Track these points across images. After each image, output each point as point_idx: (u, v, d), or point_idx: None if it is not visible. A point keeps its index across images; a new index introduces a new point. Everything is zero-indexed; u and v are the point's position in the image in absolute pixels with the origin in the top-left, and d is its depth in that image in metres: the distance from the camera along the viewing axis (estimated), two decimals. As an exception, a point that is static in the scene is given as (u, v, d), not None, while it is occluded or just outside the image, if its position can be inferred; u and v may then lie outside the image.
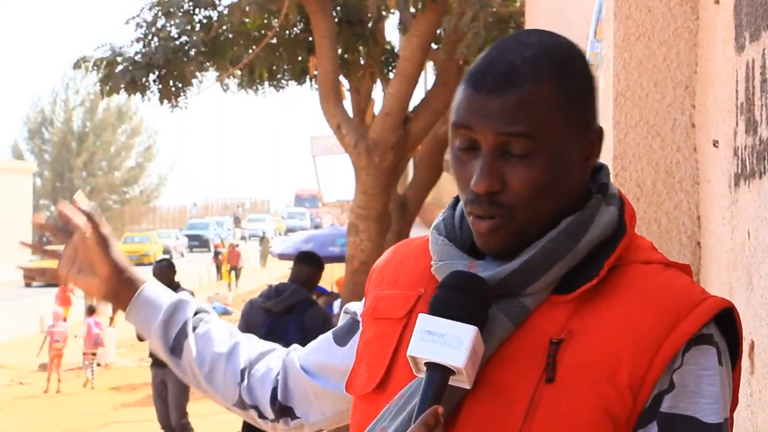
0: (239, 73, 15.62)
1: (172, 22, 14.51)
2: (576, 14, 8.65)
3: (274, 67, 15.71)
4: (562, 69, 1.66)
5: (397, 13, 15.42)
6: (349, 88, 16.44)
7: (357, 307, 1.92)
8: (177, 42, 14.45)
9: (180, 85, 14.60)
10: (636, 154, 3.62)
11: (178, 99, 14.69)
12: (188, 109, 15.00)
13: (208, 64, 14.92)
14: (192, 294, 12.03)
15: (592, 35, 6.22)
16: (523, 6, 12.92)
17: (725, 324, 1.67)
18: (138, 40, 14.51)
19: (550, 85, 1.64)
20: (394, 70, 15.20)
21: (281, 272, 42.27)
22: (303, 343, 2.02)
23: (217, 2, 14.94)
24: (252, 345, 2.03)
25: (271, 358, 2.00)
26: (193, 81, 14.75)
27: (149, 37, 14.46)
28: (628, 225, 1.71)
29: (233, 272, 40.11)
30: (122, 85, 14.19)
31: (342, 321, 1.94)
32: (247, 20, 14.91)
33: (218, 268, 44.48)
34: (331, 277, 25.62)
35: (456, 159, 1.69)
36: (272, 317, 8.61)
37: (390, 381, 1.71)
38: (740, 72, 2.75)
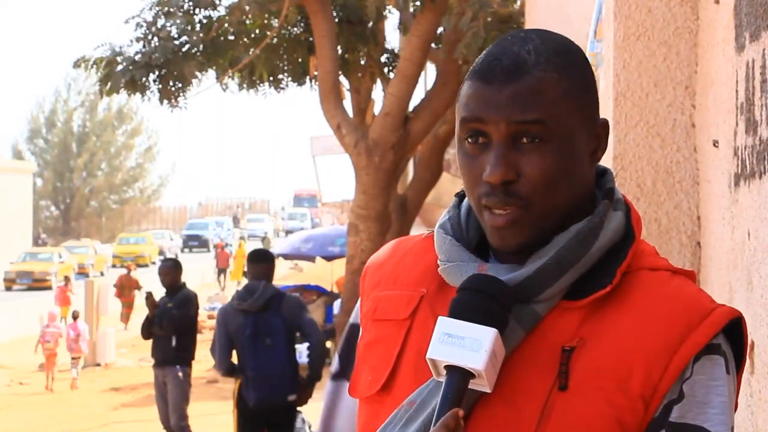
0: (239, 73, 15.62)
1: (172, 22, 14.51)
2: (576, 14, 8.65)
3: (274, 68, 15.71)
4: (565, 59, 1.67)
5: (397, 13, 15.42)
6: (349, 88, 16.45)
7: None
8: (177, 42, 14.46)
9: (180, 85, 14.61)
10: (636, 154, 3.62)
11: (178, 99, 14.70)
12: (188, 109, 15.01)
13: (207, 64, 14.92)
14: (196, 294, 11.93)
15: (592, 35, 6.22)
16: (523, 6, 12.92)
17: (731, 332, 1.67)
18: (138, 39, 14.52)
19: (557, 73, 1.65)
20: (394, 70, 15.21)
21: (282, 272, 42.27)
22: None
23: (217, 2, 14.95)
24: None
25: None
26: (193, 81, 14.76)
27: (149, 36, 14.47)
28: (635, 231, 1.71)
29: (222, 274, 39.78)
30: (122, 85, 14.20)
31: (336, 360, 1.93)
32: (247, 20, 14.91)
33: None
34: (331, 277, 25.61)
35: (465, 155, 1.67)
36: (252, 316, 8.83)
37: (395, 383, 1.70)
38: (740, 72, 2.75)
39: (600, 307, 1.64)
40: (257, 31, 15.22)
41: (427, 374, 1.64)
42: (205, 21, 14.81)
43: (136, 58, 14.27)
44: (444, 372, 1.61)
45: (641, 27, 3.64)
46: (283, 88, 16.02)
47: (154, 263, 48.41)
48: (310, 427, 9.71)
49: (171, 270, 11.29)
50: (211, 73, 15.50)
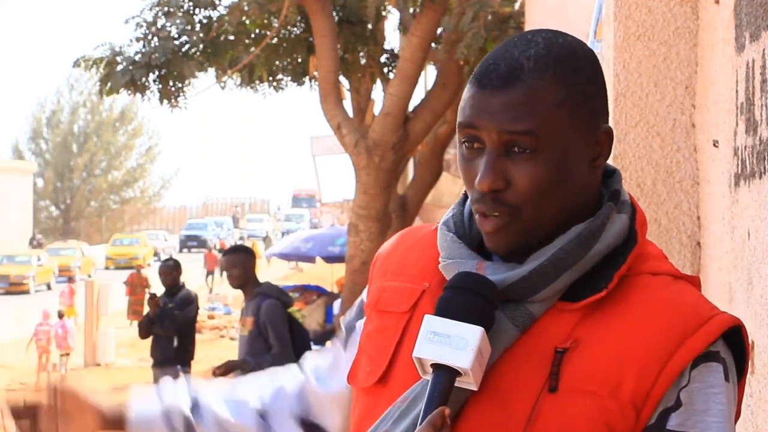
0: (239, 72, 15.62)
1: (172, 22, 14.52)
2: (576, 14, 8.65)
3: (274, 68, 15.71)
4: (567, 66, 1.65)
5: (397, 13, 15.42)
6: (349, 88, 16.45)
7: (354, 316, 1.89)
8: (177, 42, 14.46)
9: (180, 85, 14.61)
10: (636, 154, 3.62)
11: (178, 99, 14.70)
12: (188, 109, 15.01)
13: (207, 64, 14.92)
14: (195, 295, 11.90)
15: (592, 35, 6.22)
16: (523, 6, 12.92)
17: (732, 338, 1.66)
18: (138, 39, 14.52)
19: (554, 82, 1.63)
20: (394, 70, 15.20)
21: (282, 272, 42.25)
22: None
23: (217, 2, 14.95)
24: (258, 390, 1.95)
25: (283, 392, 1.93)
26: (193, 81, 14.76)
27: (149, 36, 14.47)
28: (638, 234, 1.69)
29: (210, 276, 39.18)
30: (122, 85, 14.19)
31: (342, 334, 1.91)
32: (247, 20, 14.91)
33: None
34: (331, 277, 25.61)
35: (462, 158, 1.68)
36: None
37: (391, 376, 1.70)
38: (740, 72, 2.75)
39: (596, 310, 1.64)
40: (257, 31, 15.22)
41: None
42: (205, 21, 14.81)
43: (136, 58, 14.27)
44: (430, 370, 1.61)
45: (641, 27, 3.64)
46: (282, 88, 16.02)
47: (149, 265, 47.25)
48: None
49: (171, 270, 11.30)
50: (211, 73, 15.51)
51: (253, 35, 15.19)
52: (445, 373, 1.59)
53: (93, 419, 1.93)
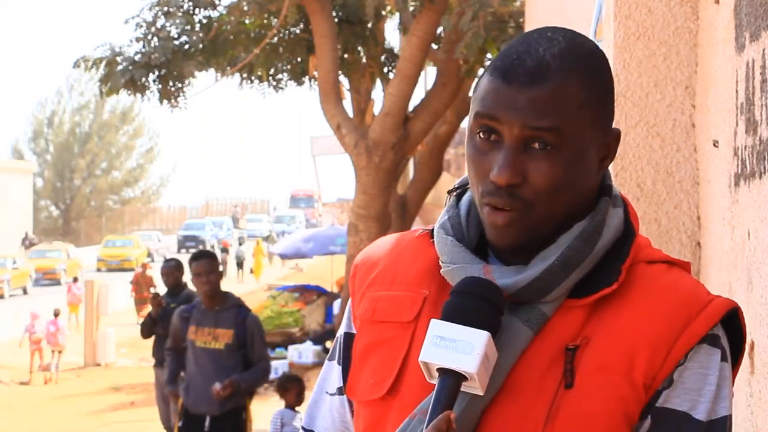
0: (239, 72, 15.63)
1: (172, 22, 14.52)
2: (576, 14, 8.65)
3: (274, 68, 15.72)
4: (589, 67, 1.66)
5: (397, 13, 15.43)
6: (349, 88, 16.45)
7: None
8: (177, 42, 14.46)
9: (180, 85, 14.62)
10: (636, 154, 3.62)
11: (178, 99, 14.71)
12: (188, 109, 15.02)
13: (207, 64, 14.93)
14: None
15: (592, 35, 6.22)
16: (522, 6, 12.92)
17: (729, 323, 1.68)
18: (138, 39, 14.53)
19: (578, 82, 1.64)
20: (394, 70, 15.21)
21: (282, 272, 42.25)
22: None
23: (217, 2, 14.95)
24: None
25: None
26: (193, 81, 14.77)
27: (149, 37, 14.48)
28: (635, 227, 1.72)
29: None
30: (121, 85, 14.20)
31: (331, 371, 1.84)
32: (246, 20, 14.92)
33: (223, 266, 44.66)
34: (331, 277, 25.61)
35: (475, 149, 1.67)
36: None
37: (401, 387, 1.69)
38: (740, 72, 2.75)
39: (603, 303, 1.66)
40: (257, 31, 15.22)
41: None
42: (205, 21, 14.82)
43: (136, 58, 14.27)
44: (436, 375, 1.61)
45: (641, 27, 3.64)
46: (282, 88, 16.03)
47: (150, 266, 47.11)
48: None
49: (174, 270, 11.29)
50: (211, 73, 15.52)
51: (252, 35, 15.20)
52: (450, 378, 1.59)
53: None
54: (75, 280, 31.75)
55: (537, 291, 1.65)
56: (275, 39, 15.10)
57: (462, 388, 1.60)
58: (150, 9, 14.71)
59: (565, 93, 1.63)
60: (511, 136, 1.63)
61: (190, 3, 14.79)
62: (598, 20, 5.77)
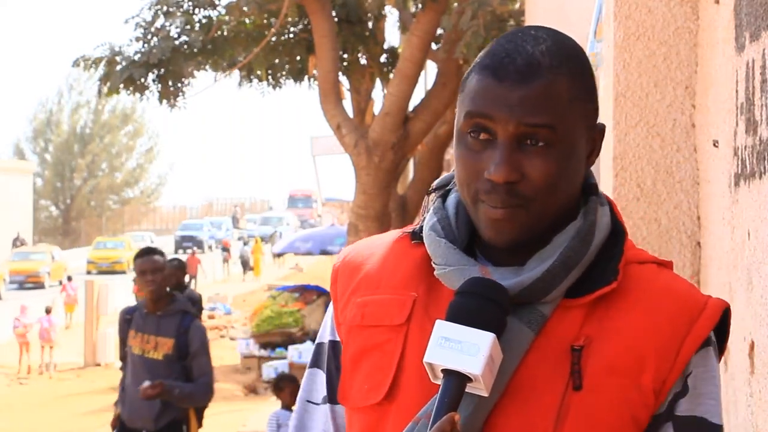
0: (238, 72, 15.63)
1: (171, 22, 14.52)
2: (576, 14, 8.65)
3: (273, 67, 15.71)
4: (575, 63, 1.68)
5: (397, 13, 15.43)
6: (349, 88, 16.44)
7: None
8: (177, 42, 14.46)
9: (179, 84, 14.61)
10: (636, 154, 3.62)
11: (177, 98, 14.70)
12: (187, 108, 15.02)
13: (206, 63, 14.92)
14: (200, 295, 11.78)
15: (592, 35, 6.22)
16: (522, 6, 12.92)
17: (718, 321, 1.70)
18: (137, 39, 14.52)
19: (568, 78, 1.65)
20: (394, 70, 15.20)
21: (282, 272, 42.26)
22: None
23: (217, 2, 14.95)
24: None
25: None
26: (192, 80, 14.76)
27: (149, 36, 14.47)
28: (623, 225, 1.73)
29: (192, 281, 38.09)
30: (120, 84, 14.19)
31: (319, 380, 1.82)
32: (246, 20, 14.91)
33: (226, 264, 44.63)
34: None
35: (467, 148, 1.67)
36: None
37: (399, 391, 1.68)
38: (740, 72, 2.75)
39: (601, 303, 1.66)
40: (256, 31, 15.22)
41: None
42: (204, 21, 14.81)
43: (135, 57, 14.27)
44: (441, 376, 1.60)
45: (641, 27, 3.64)
46: (280, 86, 16.02)
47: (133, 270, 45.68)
48: None
49: (175, 270, 11.28)
50: (211, 72, 15.51)
51: (252, 35, 15.19)
52: (455, 379, 1.59)
53: None
54: (69, 279, 31.70)
55: (538, 292, 1.65)
56: (275, 39, 15.09)
57: (467, 390, 1.60)
58: (149, 8, 14.70)
59: (557, 89, 1.64)
60: (505, 134, 1.63)
61: (190, 3, 14.78)
62: (598, 20, 5.77)
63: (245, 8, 14.22)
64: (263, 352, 19.41)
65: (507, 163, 1.62)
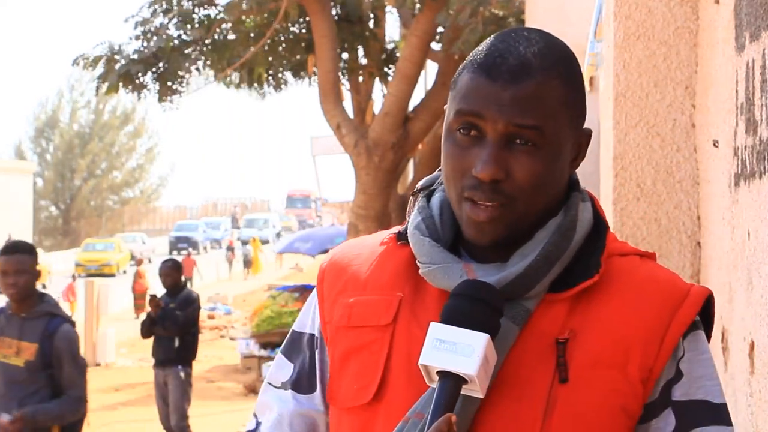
0: (239, 72, 15.63)
1: (170, 19, 14.52)
2: (576, 14, 8.65)
3: (273, 66, 15.71)
4: (566, 66, 1.69)
5: (396, 13, 15.43)
6: (349, 88, 16.45)
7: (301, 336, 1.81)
8: (176, 41, 14.46)
9: (178, 83, 14.62)
10: (636, 154, 3.62)
11: (175, 97, 14.70)
12: (186, 108, 15.03)
13: (206, 62, 14.92)
14: (197, 295, 11.84)
15: (592, 35, 6.22)
16: (522, 5, 12.92)
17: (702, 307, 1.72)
18: (137, 38, 14.53)
19: (559, 81, 1.66)
20: (393, 70, 15.21)
21: (282, 272, 42.26)
22: None
23: (217, 1, 14.95)
24: None
25: None
26: (192, 80, 14.78)
27: (148, 35, 14.48)
28: (605, 220, 1.75)
29: (188, 283, 37.71)
30: (119, 82, 14.19)
31: (287, 367, 1.82)
32: (246, 19, 14.92)
33: (230, 264, 44.60)
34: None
35: (455, 145, 1.68)
36: None
37: (386, 391, 1.68)
38: (740, 72, 2.75)
39: (584, 296, 1.67)
40: (256, 30, 15.22)
41: (422, 379, 1.63)
42: (204, 20, 14.82)
43: (134, 56, 14.27)
44: (436, 378, 1.61)
45: (641, 27, 3.64)
46: (281, 87, 16.02)
47: (125, 272, 43.74)
48: None
49: (172, 270, 11.31)
50: (210, 72, 15.51)
51: (252, 34, 15.20)
52: (451, 381, 1.59)
53: None
54: (73, 278, 31.81)
55: (521, 287, 1.66)
56: (274, 38, 15.10)
57: (462, 391, 1.60)
58: (149, 7, 14.71)
59: (548, 91, 1.65)
60: (494, 133, 1.65)
61: (190, 2, 14.79)
62: (598, 20, 5.77)
63: (245, 7, 14.23)
64: (263, 352, 19.42)
65: (494, 161, 1.64)
